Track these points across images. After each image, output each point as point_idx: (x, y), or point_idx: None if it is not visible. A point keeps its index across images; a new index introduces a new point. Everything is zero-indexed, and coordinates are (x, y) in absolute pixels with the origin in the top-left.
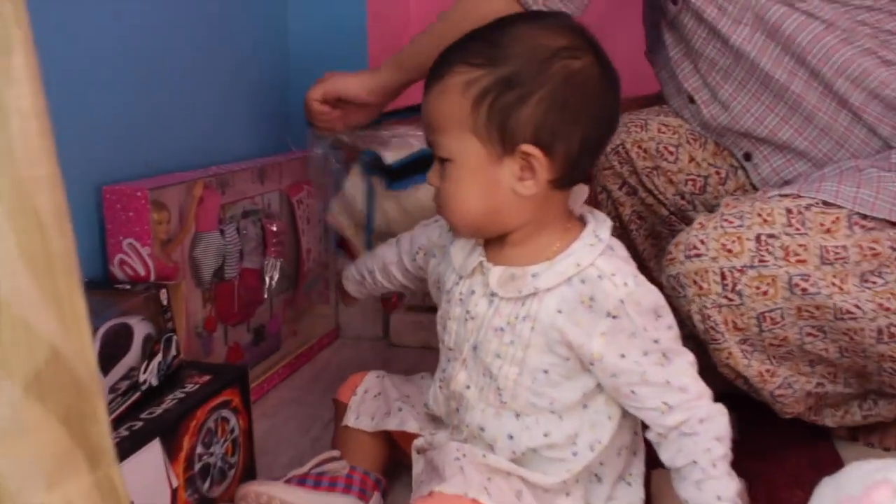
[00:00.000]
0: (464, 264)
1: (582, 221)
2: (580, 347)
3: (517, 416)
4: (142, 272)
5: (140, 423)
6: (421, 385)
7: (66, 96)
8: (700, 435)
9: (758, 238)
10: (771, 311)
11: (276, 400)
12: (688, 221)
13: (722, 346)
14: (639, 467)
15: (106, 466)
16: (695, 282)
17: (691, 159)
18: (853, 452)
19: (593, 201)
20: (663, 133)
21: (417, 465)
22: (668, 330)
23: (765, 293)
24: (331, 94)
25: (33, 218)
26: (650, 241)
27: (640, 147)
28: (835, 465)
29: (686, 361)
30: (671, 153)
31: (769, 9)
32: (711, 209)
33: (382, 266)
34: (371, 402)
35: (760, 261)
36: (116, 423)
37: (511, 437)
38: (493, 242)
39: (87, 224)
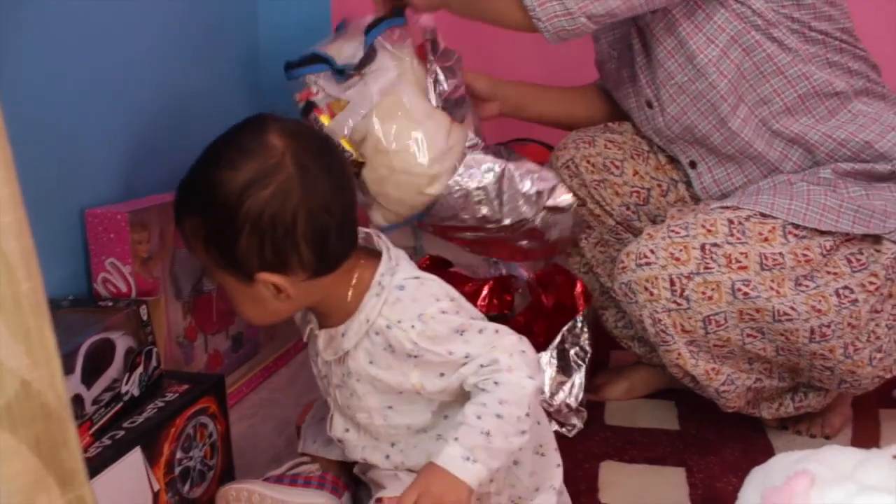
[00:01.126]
0: (303, 330)
1: (376, 260)
2: (401, 385)
3: (392, 445)
4: (123, 289)
5: (122, 433)
6: None
7: (51, 124)
8: (487, 392)
9: (702, 247)
10: (716, 314)
11: (254, 402)
12: (633, 230)
13: (672, 347)
14: (546, 435)
15: (77, 488)
16: (646, 288)
17: (635, 173)
18: (782, 441)
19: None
20: (609, 149)
21: (369, 484)
22: (478, 335)
23: (710, 298)
24: None
25: (2, 261)
26: (598, 248)
27: (588, 161)
28: (766, 453)
29: (502, 345)
30: (617, 167)
31: (745, 34)
32: (654, 219)
33: None
34: (317, 427)
35: (706, 268)
36: (100, 433)
37: (388, 458)
38: (313, 309)
39: (73, 245)
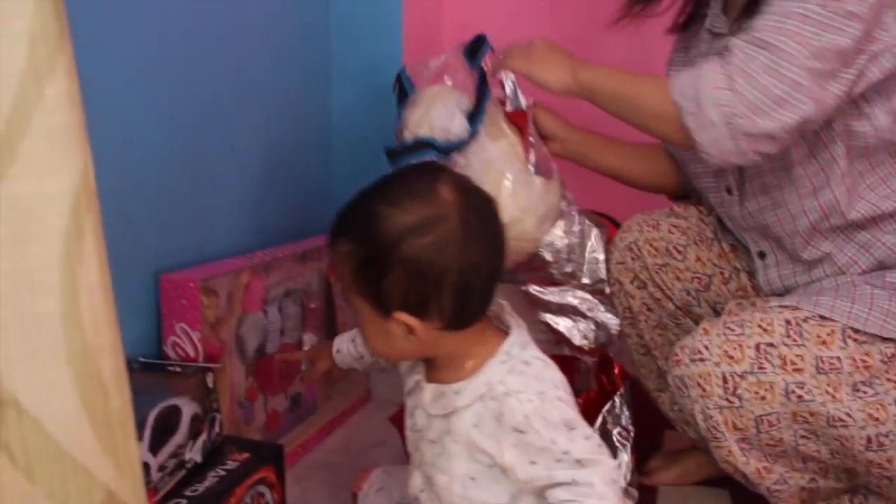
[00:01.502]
0: (408, 380)
1: (505, 332)
2: (494, 457)
3: None
4: (191, 353)
5: (184, 502)
6: None
7: (126, 192)
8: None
9: (758, 346)
10: (768, 414)
11: (310, 464)
12: (692, 316)
13: (722, 444)
14: None
15: None
16: (698, 384)
17: (698, 259)
18: None
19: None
20: (673, 234)
21: None
22: (584, 441)
23: (763, 398)
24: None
25: (96, 380)
26: (658, 331)
27: (651, 245)
28: None
29: (602, 470)
30: (680, 252)
31: (849, 154)
32: (714, 306)
33: None
34: (374, 497)
35: (759, 368)
36: (163, 501)
37: None
38: (429, 361)
39: (146, 308)
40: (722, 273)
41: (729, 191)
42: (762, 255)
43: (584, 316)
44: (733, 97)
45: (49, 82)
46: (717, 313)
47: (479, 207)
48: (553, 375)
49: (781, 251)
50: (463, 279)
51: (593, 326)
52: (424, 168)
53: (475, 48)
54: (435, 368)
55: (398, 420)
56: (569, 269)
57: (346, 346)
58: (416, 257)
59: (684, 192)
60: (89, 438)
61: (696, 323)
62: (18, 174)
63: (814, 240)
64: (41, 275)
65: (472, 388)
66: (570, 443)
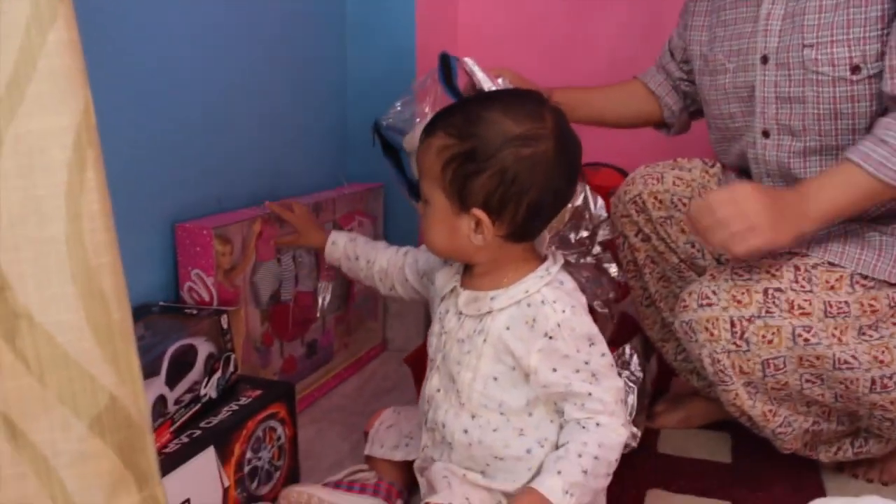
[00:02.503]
0: (444, 287)
1: (542, 260)
2: (520, 359)
3: (472, 416)
4: (206, 298)
5: (198, 432)
6: None
7: (147, 145)
8: (588, 431)
9: (765, 291)
10: (775, 358)
11: (324, 407)
12: (696, 268)
13: (730, 387)
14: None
15: (151, 488)
16: (706, 328)
17: None
18: (836, 483)
19: (613, 245)
20: (677, 186)
21: (421, 484)
22: (601, 357)
23: (770, 342)
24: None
25: (98, 296)
26: (661, 283)
27: (655, 198)
28: (818, 493)
29: (612, 385)
30: (684, 204)
31: None
32: (717, 258)
33: (382, 267)
34: (384, 433)
35: (767, 312)
36: (179, 431)
37: (465, 432)
38: (466, 271)
39: (164, 256)
40: None
41: (766, 133)
42: None
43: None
44: None
45: (51, 29)
46: (721, 265)
47: (570, 141)
48: (580, 298)
49: None
50: (541, 198)
51: (605, 281)
52: (532, 94)
53: (447, 68)
54: (473, 277)
55: (411, 360)
56: (584, 233)
57: (343, 242)
58: (512, 165)
59: (666, 123)
60: (92, 347)
61: (700, 275)
62: (26, 113)
63: None
64: (48, 203)
65: (511, 293)
66: (589, 356)
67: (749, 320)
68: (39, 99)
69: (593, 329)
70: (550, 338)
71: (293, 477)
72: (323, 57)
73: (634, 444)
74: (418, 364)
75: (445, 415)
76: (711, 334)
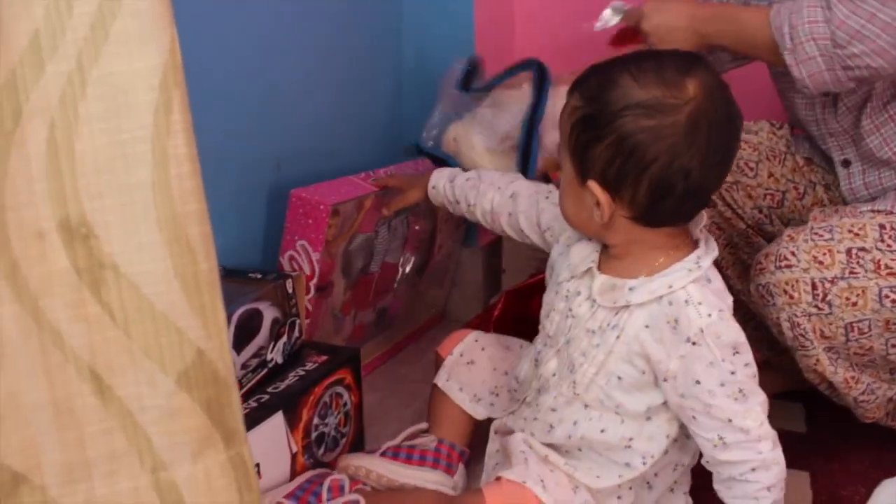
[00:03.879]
0: (578, 265)
1: (695, 245)
2: (658, 363)
3: (585, 406)
4: (308, 271)
5: (266, 397)
6: (516, 354)
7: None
8: (751, 483)
9: (849, 251)
10: (859, 321)
11: (386, 375)
12: (764, 234)
13: (810, 352)
14: (686, 476)
15: (238, 446)
16: (785, 291)
17: (770, 175)
18: None
19: None
20: (744, 150)
21: (493, 443)
22: (745, 367)
23: (854, 304)
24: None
25: (185, 245)
26: (728, 250)
27: None
28: None
29: (758, 402)
30: (751, 169)
31: None
32: (787, 223)
33: (486, 210)
34: (465, 371)
35: (851, 272)
36: (246, 396)
37: (575, 423)
38: (604, 250)
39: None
40: (796, 188)
41: (827, 93)
42: (846, 164)
43: None
44: (829, 28)
45: None
46: (797, 227)
47: (718, 118)
48: (728, 299)
49: (868, 158)
50: (666, 176)
51: None
52: (684, 58)
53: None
54: (611, 259)
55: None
56: None
57: (443, 185)
58: (629, 134)
59: None
60: (179, 299)
61: (768, 241)
62: (111, 53)
63: None
64: (133, 147)
65: (652, 287)
66: (733, 365)
67: (832, 282)
68: (124, 38)
69: (740, 337)
70: (694, 343)
71: (358, 444)
72: (379, 32)
73: None
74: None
75: (555, 401)
76: (791, 297)
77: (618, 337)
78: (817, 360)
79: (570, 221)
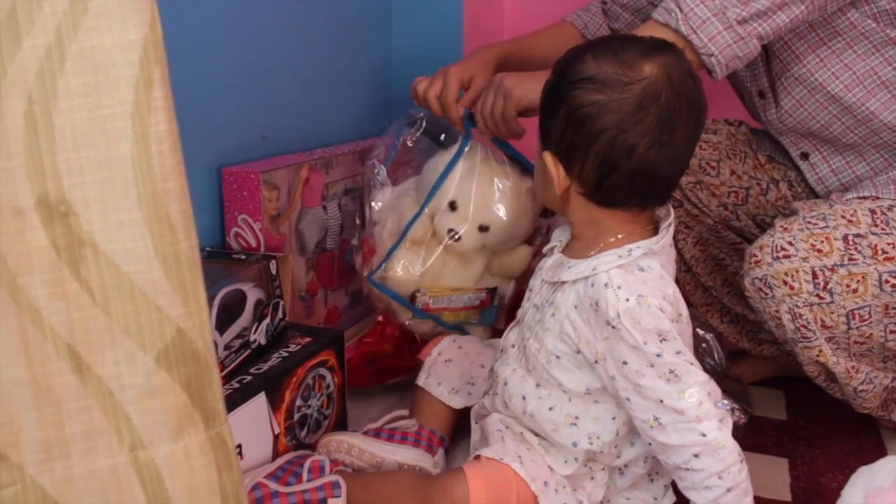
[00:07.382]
0: (551, 242)
1: (652, 234)
2: (588, 344)
3: (536, 385)
4: (253, 243)
5: (249, 378)
6: (497, 350)
7: (194, 89)
8: (696, 472)
9: (845, 238)
10: (860, 308)
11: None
12: (732, 229)
13: (812, 343)
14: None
15: (218, 426)
16: (785, 282)
17: (732, 172)
18: None
19: None
20: (704, 150)
21: (475, 433)
22: (676, 355)
23: (855, 291)
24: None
25: (166, 223)
26: (698, 247)
27: None
28: (877, 453)
29: (694, 382)
30: (713, 168)
31: (878, 32)
32: (753, 218)
33: None
34: (442, 368)
35: (850, 259)
36: (229, 377)
37: (524, 399)
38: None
39: (210, 200)
40: (759, 184)
41: (762, 94)
42: (805, 156)
43: None
44: None
45: None
46: (758, 225)
47: (671, 102)
48: (666, 290)
49: (826, 145)
50: (609, 152)
51: None
52: (658, 44)
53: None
54: (572, 240)
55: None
56: None
57: None
58: (578, 106)
59: None
60: (159, 277)
61: (737, 235)
62: (90, 27)
63: (859, 117)
64: (113, 122)
65: (580, 267)
66: (661, 350)
67: (832, 269)
68: (104, 11)
69: (665, 325)
70: (613, 327)
71: (341, 426)
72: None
73: (745, 419)
74: None
75: (512, 374)
76: (791, 287)
77: (553, 315)
78: (820, 351)
79: (538, 195)
